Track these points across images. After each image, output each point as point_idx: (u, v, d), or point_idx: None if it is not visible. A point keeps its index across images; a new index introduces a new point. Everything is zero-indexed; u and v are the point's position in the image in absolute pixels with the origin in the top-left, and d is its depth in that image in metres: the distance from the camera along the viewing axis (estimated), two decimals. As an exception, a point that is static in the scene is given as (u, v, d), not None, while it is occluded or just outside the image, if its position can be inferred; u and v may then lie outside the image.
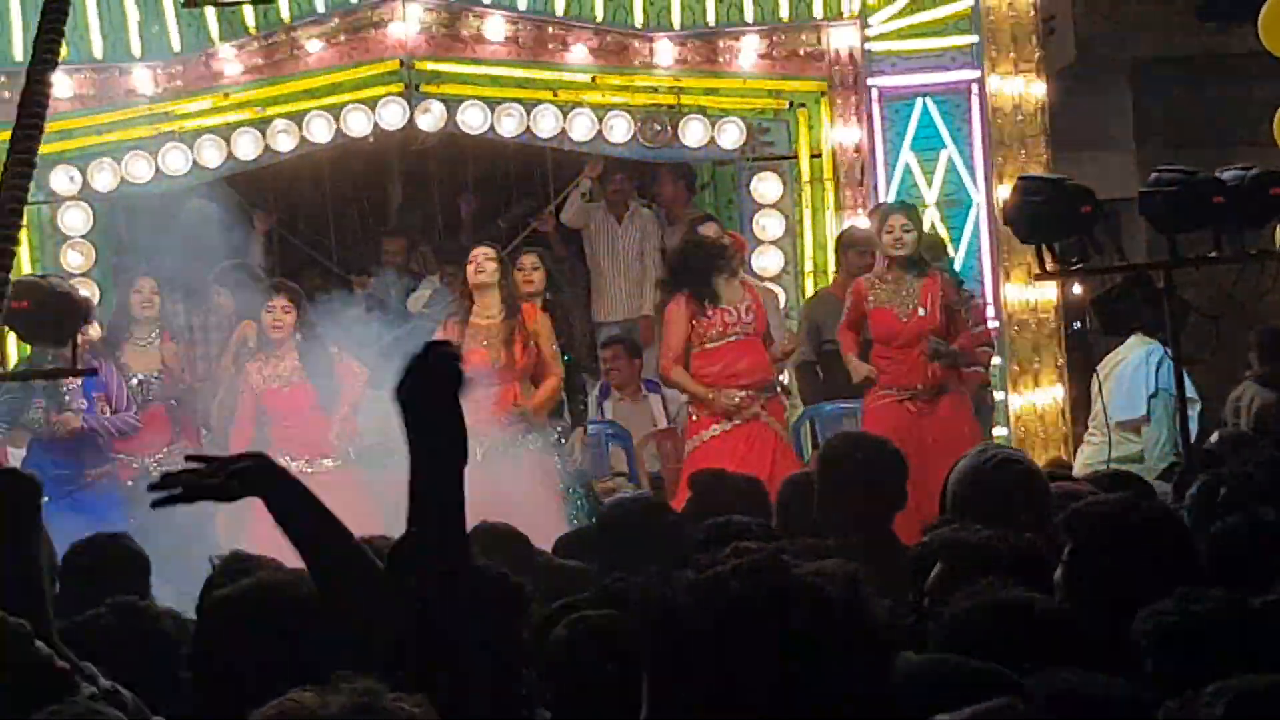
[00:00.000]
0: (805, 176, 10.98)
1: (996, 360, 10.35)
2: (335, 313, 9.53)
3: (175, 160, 10.68)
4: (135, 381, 9.25)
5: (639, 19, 10.93)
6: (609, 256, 11.84)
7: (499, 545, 5.32)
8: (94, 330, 9.18)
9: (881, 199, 10.56)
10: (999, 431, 10.37)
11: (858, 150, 10.87)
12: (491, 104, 10.78)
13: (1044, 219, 7.79)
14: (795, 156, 10.99)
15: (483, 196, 12.90)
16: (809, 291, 10.84)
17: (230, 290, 9.92)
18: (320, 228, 12.93)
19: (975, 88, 10.88)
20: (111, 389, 9.10)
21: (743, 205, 11.15)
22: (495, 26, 10.87)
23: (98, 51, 10.59)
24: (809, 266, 10.97)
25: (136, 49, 10.71)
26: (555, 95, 10.87)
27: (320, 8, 10.80)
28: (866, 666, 2.01)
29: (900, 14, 10.90)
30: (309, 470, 8.72)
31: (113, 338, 9.37)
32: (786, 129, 11.02)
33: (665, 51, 10.91)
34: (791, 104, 10.99)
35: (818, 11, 10.91)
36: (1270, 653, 3.12)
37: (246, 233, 10.90)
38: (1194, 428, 8.42)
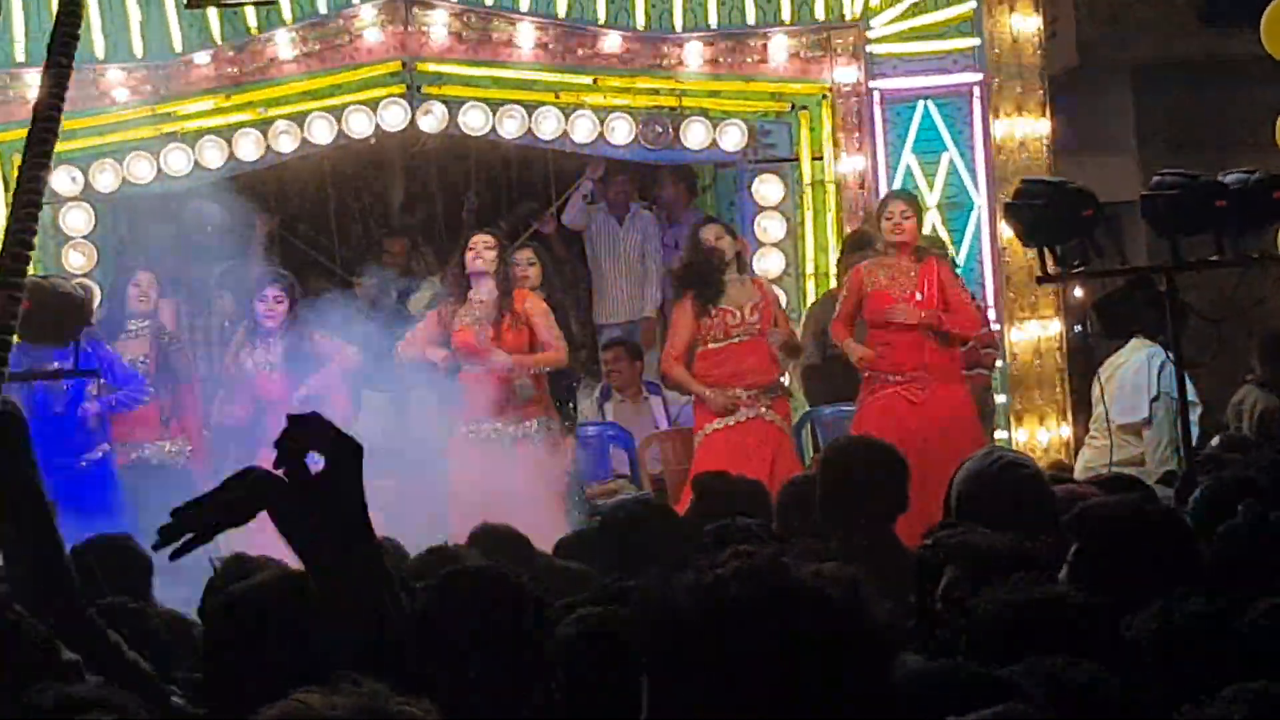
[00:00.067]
0: (807, 179, 10.98)
1: (998, 363, 10.36)
2: (328, 308, 9.59)
3: (177, 161, 10.68)
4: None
5: (641, 22, 10.93)
6: (610, 258, 11.84)
7: (500, 547, 5.33)
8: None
9: (883, 202, 10.56)
10: (1000, 435, 10.37)
11: (859, 153, 10.88)
12: (493, 105, 10.78)
13: (1045, 222, 7.79)
14: (797, 159, 10.99)
15: (484, 198, 12.89)
16: (810, 293, 10.85)
17: (231, 292, 9.93)
18: (321, 229, 12.93)
19: (977, 91, 10.88)
20: (115, 369, 9.13)
21: (744, 207, 11.16)
22: (497, 28, 10.87)
23: (100, 52, 10.59)
24: (810, 269, 10.97)
25: (139, 49, 10.71)
26: (557, 97, 10.87)
27: (323, 9, 10.80)
28: (867, 669, 2.01)
29: (902, 17, 10.90)
30: None
31: (106, 329, 9.37)
32: (788, 131, 11.02)
33: (667, 54, 10.91)
34: (793, 106, 10.99)
35: (820, 14, 10.91)
36: (1256, 661, 3.12)
37: (248, 234, 10.91)
38: (1195, 431, 8.42)
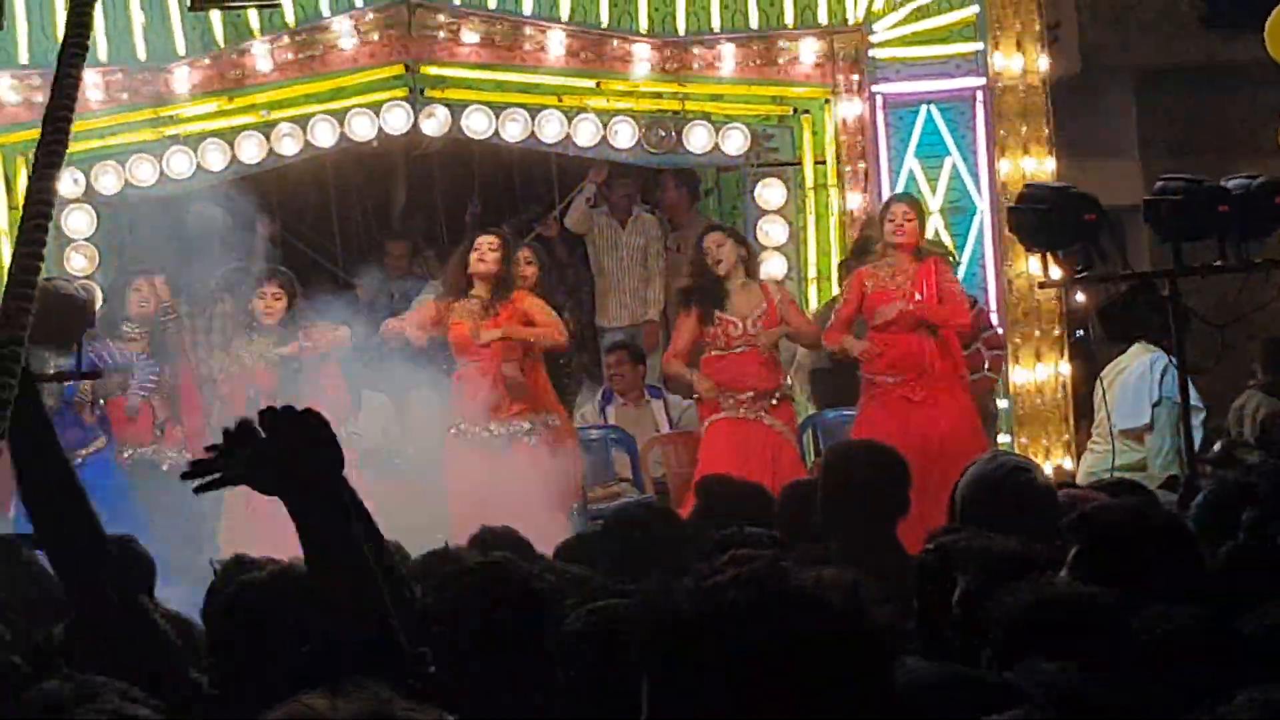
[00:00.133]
0: (809, 183, 10.98)
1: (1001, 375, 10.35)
2: (328, 308, 9.61)
3: (179, 163, 10.68)
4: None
5: (644, 25, 10.93)
6: (613, 262, 11.84)
7: (500, 550, 5.31)
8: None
9: (885, 206, 10.57)
10: (1002, 439, 10.36)
11: (862, 157, 10.87)
12: (496, 109, 10.78)
13: (1049, 227, 7.80)
14: (799, 163, 10.99)
15: (487, 201, 12.89)
16: (812, 297, 10.84)
17: (232, 294, 9.93)
18: (324, 232, 12.93)
19: (980, 95, 10.88)
20: (118, 361, 9.16)
21: (747, 211, 11.16)
22: (500, 32, 10.87)
23: (103, 54, 10.59)
24: (812, 273, 10.98)
25: (142, 52, 10.71)
26: (560, 100, 10.87)
27: (326, 12, 10.81)
28: (867, 672, 2.01)
29: (904, 21, 10.90)
30: None
31: (101, 329, 9.37)
32: (791, 135, 11.02)
33: (670, 58, 10.91)
34: (796, 110, 10.99)
35: (823, 18, 10.91)
36: (1265, 665, 3.11)
37: (249, 236, 10.91)
38: (1197, 436, 8.41)
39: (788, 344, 9.92)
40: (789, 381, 9.82)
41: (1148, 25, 14.13)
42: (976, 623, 3.25)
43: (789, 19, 10.91)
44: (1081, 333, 11.14)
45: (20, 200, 9.77)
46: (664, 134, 10.86)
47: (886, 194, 10.71)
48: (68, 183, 10.53)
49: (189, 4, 9.86)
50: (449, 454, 9.03)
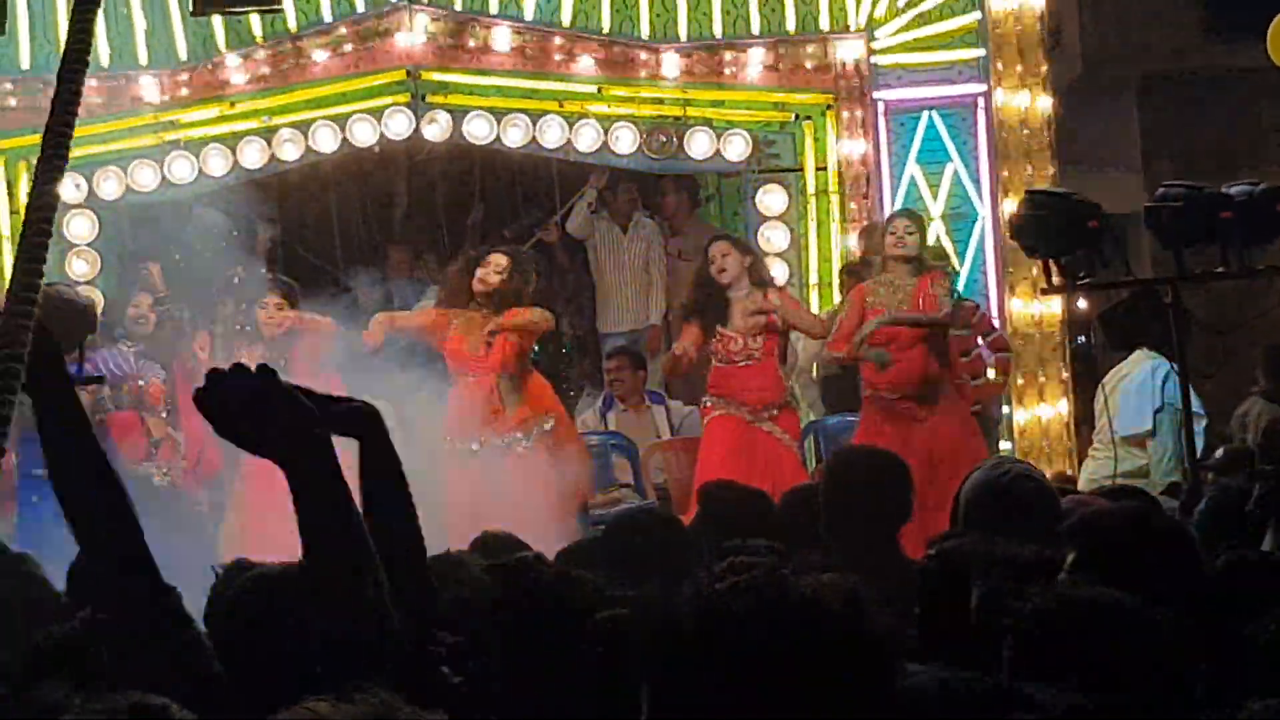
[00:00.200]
0: (811, 189, 10.99)
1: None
2: (325, 312, 9.59)
3: (181, 169, 10.69)
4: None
5: (645, 31, 10.94)
6: (614, 267, 11.84)
7: (502, 555, 5.30)
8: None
9: (887, 212, 10.56)
10: (1004, 445, 10.36)
11: (863, 163, 10.88)
12: (497, 114, 10.79)
13: (1050, 233, 7.78)
14: (801, 169, 11.00)
15: (488, 206, 12.89)
16: (814, 303, 10.84)
17: (233, 300, 9.91)
18: (325, 237, 12.93)
19: (981, 101, 10.89)
20: (122, 367, 9.14)
21: (748, 217, 11.16)
22: (502, 37, 10.88)
23: (104, 59, 10.60)
24: (814, 279, 10.98)
25: (143, 57, 10.72)
26: (561, 106, 10.88)
27: (327, 17, 10.81)
28: (868, 678, 2.01)
29: (906, 27, 10.90)
30: None
31: (104, 337, 9.37)
32: (792, 141, 11.03)
33: (671, 63, 10.92)
34: (797, 116, 11.00)
35: (824, 24, 10.92)
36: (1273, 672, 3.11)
37: (251, 242, 10.90)
38: (1199, 443, 8.40)
39: (792, 347, 9.90)
40: (792, 385, 9.81)
41: (1150, 33, 14.14)
42: (995, 628, 3.23)
43: (791, 25, 10.91)
44: (1083, 339, 11.14)
45: (22, 205, 9.78)
46: (665, 140, 10.86)
47: (888, 200, 10.72)
48: (69, 188, 10.54)
49: (191, 9, 9.86)
50: (447, 468, 9.00)
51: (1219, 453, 8.76)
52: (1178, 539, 3.95)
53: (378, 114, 10.71)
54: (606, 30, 10.91)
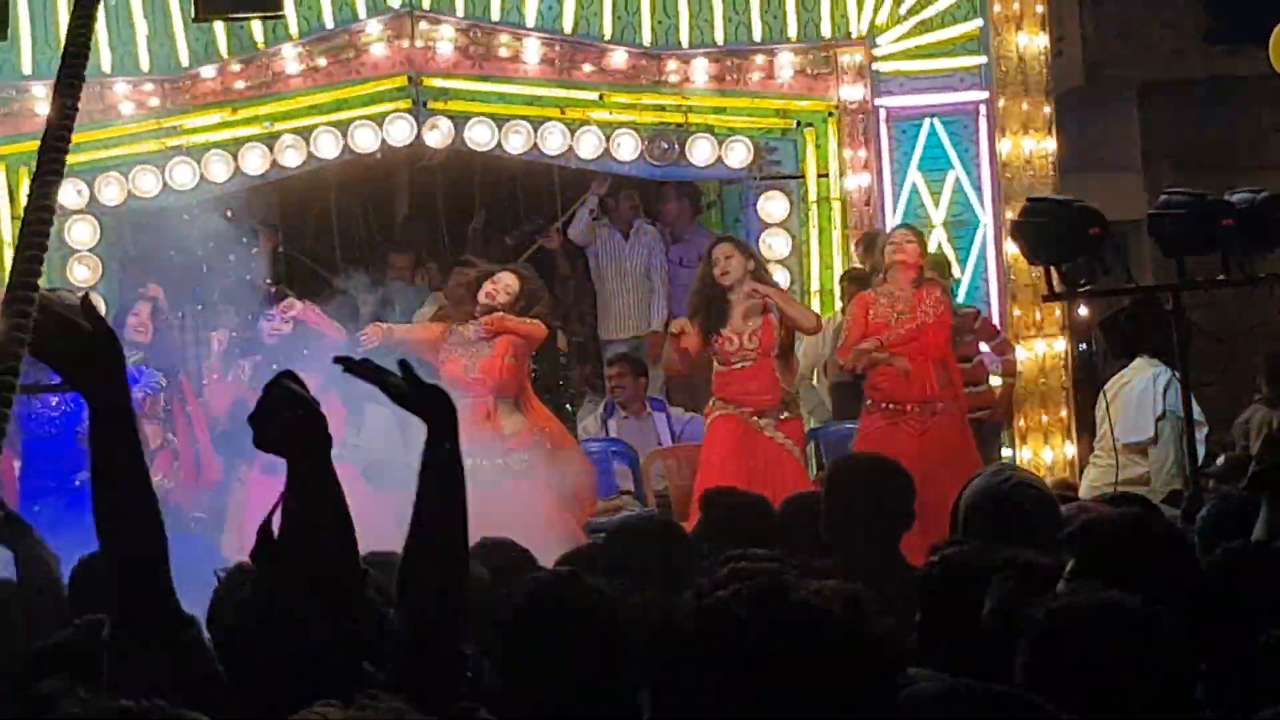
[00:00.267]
0: (812, 196, 10.99)
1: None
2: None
3: (182, 175, 10.70)
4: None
5: (647, 38, 10.94)
6: (615, 274, 11.85)
7: (503, 561, 5.30)
8: None
9: (889, 219, 10.58)
10: (1006, 452, 10.36)
11: (865, 170, 10.88)
12: (499, 121, 10.79)
13: (1052, 240, 7.78)
14: (802, 176, 11.00)
15: (489, 213, 12.91)
16: (815, 309, 10.83)
17: (234, 306, 9.92)
18: (326, 243, 12.93)
19: (983, 109, 10.89)
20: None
21: (750, 224, 11.16)
22: (503, 44, 10.89)
23: (106, 65, 10.60)
24: (815, 286, 10.98)
25: (145, 63, 10.72)
26: (563, 113, 10.89)
27: (329, 23, 10.82)
28: (869, 684, 2.01)
29: (908, 34, 10.91)
30: None
31: None
32: (794, 148, 11.03)
33: (673, 70, 10.92)
34: (799, 124, 11.00)
35: (825, 31, 10.92)
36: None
37: (253, 248, 10.90)
38: (1201, 450, 8.40)
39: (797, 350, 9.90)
40: (796, 390, 9.80)
41: (1151, 40, 14.14)
42: (1009, 635, 3.23)
43: (792, 32, 10.92)
44: (1084, 346, 11.14)
45: (23, 211, 9.77)
46: (667, 146, 10.86)
47: (890, 207, 10.73)
48: (71, 194, 10.55)
49: (193, 14, 9.87)
50: None
51: (1220, 460, 8.77)
52: (1176, 545, 3.95)
53: (379, 120, 10.71)
54: (608, 37, 10.91)
